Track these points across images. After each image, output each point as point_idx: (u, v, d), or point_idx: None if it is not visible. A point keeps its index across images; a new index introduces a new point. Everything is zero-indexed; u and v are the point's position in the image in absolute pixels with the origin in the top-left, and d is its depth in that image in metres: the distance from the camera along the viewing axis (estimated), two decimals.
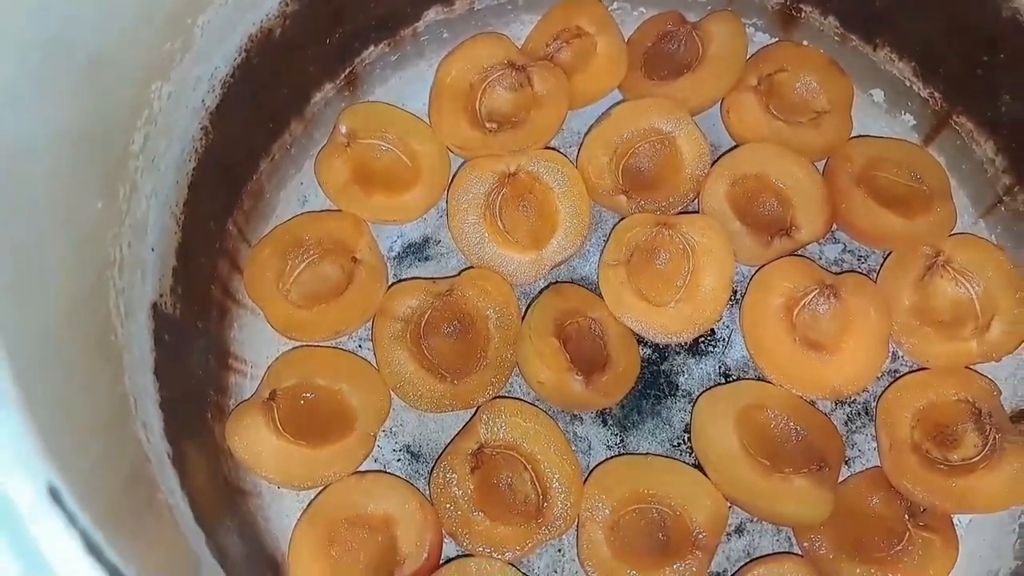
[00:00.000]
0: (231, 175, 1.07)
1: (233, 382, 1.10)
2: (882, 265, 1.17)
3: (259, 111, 1.07)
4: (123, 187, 0.81)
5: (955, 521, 1.07)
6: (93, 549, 0.50)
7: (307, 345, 1.13)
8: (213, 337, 1.06)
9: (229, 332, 1.10)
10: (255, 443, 1.03)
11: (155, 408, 0.84)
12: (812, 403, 1.11)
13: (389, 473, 1.08)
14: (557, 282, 1.16)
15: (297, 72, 1.10)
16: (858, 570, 1.03)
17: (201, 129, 0.96)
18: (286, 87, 1.10)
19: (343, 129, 1.16)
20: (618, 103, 1.21)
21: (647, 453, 1.11)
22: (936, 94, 1.18)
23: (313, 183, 1.19)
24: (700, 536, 1.02)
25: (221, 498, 0.97)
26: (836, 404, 1.14)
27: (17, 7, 0.63)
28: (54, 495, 0.49)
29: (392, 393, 1.10)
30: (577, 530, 1.05)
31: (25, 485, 0.49)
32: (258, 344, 1.13)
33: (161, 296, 0.91)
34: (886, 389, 1.11)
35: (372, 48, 1.18)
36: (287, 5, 1.00)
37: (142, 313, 0.86)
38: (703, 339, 1.16)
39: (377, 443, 1.10)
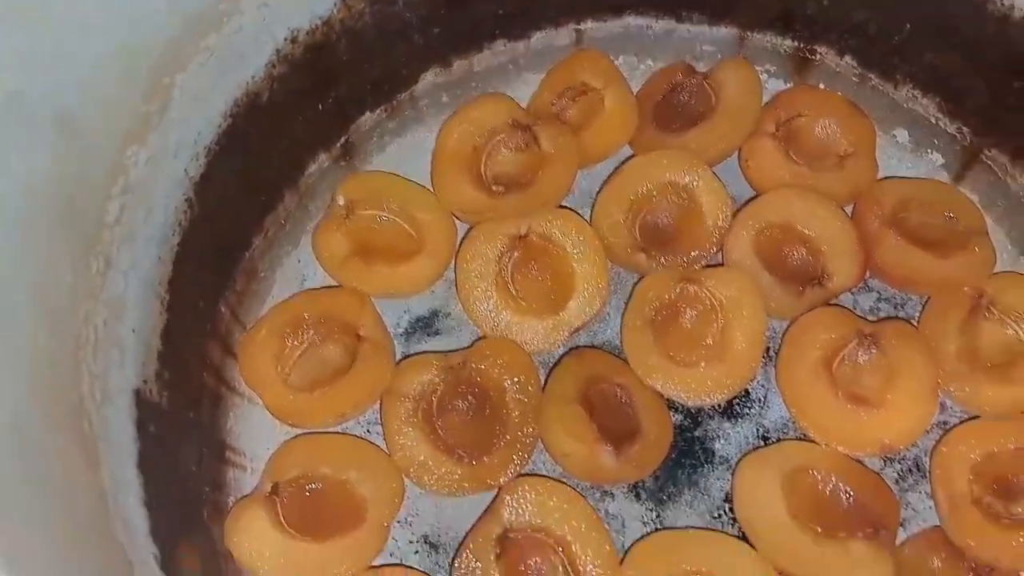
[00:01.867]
0: (222, 252, 1.00)
1: (231, 477, 1.01)
2: (922, 311, 1.09)
3: (249, 183, 1.01)
4: (96, 260, 0.75)
5: None
6: None
7: (310, 432, 1.04)
8: (207, 428, 0.98)
9: (224, 422, 1.02)
10: (258, 543, 0.94)
11: (139, 505, 0.76)
12: (860, 462, 1.02)
13: (407, 566, 0.99)
14: (578, 347, 1.08)
15: (289, 141, 1.05)
16: None
17: (185, 201, 0.90)
18: (278, 157, 1.04)
19: (341, 201, 1.10)
20: (630, 158, 1.15)
21: (687, 527, 1.01)
22: (964, 129, 1.13)
23: (311, 260, 1.12)
24: None
25: None
26: (885, 462, 1.05)
27: None
28: None
29: (406, 479, 1.01)
30: None
31: None
32: (257, 434, 1.05)
33: (145, 382, 0.84)
34: (938, 442, 1.02)
35: (368, 114, 1.13)
36: (274, 67, 0.95)
37: (122, 400, 0.79)
38: (738, 400, 1.07)
39: (392, 535, 1.00)
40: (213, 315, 0.99)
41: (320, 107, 1.06)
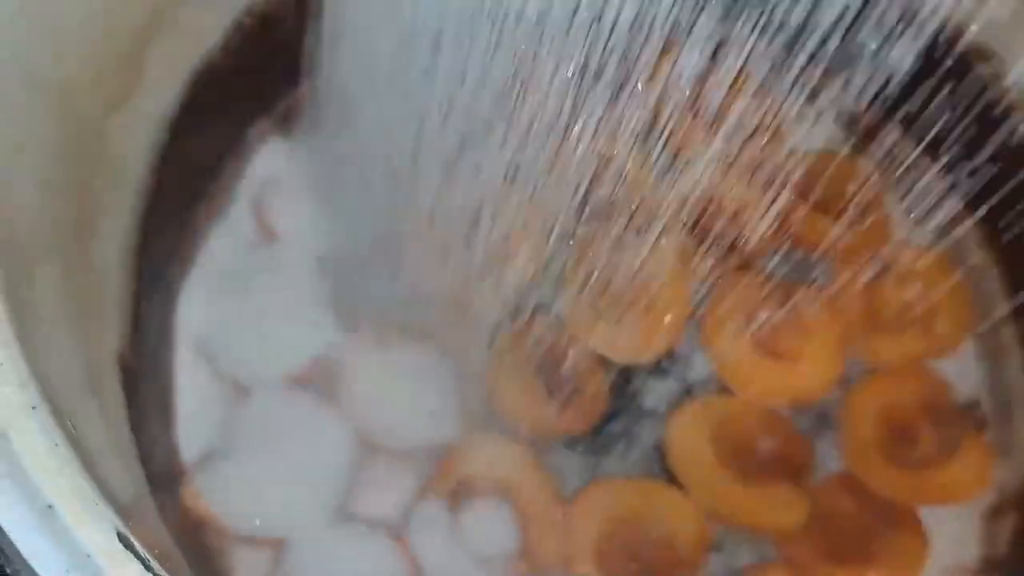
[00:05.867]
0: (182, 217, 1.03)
1: None
2: (829, 277, 1.20)
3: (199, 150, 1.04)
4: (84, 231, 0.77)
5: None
6: None
7: None
8: None
9: None
10: None
11: None
12: (776, 412, 1.12)
13: None
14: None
15: (235, 108, 1.08)
16: (838, 573, 1.05)
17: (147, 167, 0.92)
18: (225, 123, 1.07)
19: None
20: None
21: (623, 475, 1.10)
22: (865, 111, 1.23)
23: None
24: (686, 553, 1.02)
25: None
26: (797, 412, 1.15)
27: None
28: (124, 541, 0.45)
29: None
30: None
31: (98, 533, 0.45)
32: None
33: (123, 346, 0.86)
34: (845, 394, 1.14)
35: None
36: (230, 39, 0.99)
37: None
38: (664, 360, 1.16)
39: None
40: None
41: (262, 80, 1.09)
